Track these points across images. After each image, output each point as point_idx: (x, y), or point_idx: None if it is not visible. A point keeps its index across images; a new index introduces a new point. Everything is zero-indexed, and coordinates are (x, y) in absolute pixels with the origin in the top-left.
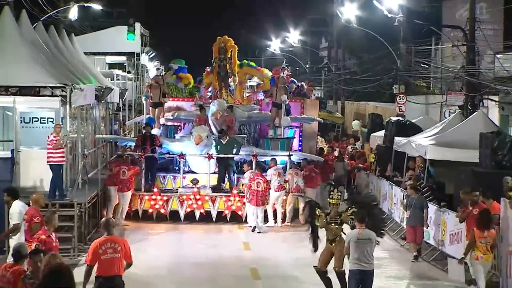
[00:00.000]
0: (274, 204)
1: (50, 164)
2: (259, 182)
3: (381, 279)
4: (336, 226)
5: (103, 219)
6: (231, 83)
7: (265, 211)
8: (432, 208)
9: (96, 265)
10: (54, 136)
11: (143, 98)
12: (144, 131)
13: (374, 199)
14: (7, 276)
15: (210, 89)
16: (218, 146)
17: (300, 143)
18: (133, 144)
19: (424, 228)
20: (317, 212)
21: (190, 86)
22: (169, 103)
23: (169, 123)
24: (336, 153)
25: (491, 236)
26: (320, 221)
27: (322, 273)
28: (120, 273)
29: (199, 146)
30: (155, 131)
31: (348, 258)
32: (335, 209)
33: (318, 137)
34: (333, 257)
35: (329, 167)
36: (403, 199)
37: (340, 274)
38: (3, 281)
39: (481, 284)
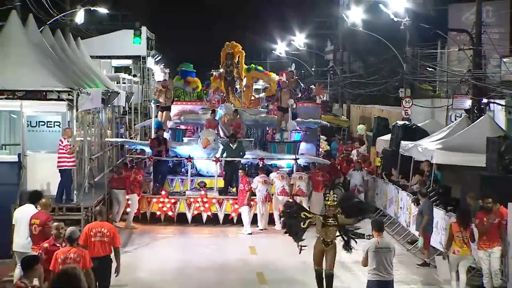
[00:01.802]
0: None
1: (62, 169)
2: (247, 182)
3: None
4: (334, 228)
5: (97, 207)
6: (238, 87)
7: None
8: (439, 212)
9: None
10: (68, 141)
11: (152, 102)
12: (157, 134)
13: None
14: (72, 257)
15: (218, 92)
16: (226, 151)
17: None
18: (140, 147)
19: (421, 234)
20: (302, 215)
21: (198, 90)
22: (181, 106)
23: (181, 127)
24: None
25: (469, 231)
26: (312, 222)
27: (320, 273)
28: (108, 253)
29: (206, 150)
30: (165, 134)
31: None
32: (331, 211)
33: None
34: (325, 259)
35: (335, 171)
36: (413, 203)
37: (331, 276)
38: (69, 263)
39: (461, 277)
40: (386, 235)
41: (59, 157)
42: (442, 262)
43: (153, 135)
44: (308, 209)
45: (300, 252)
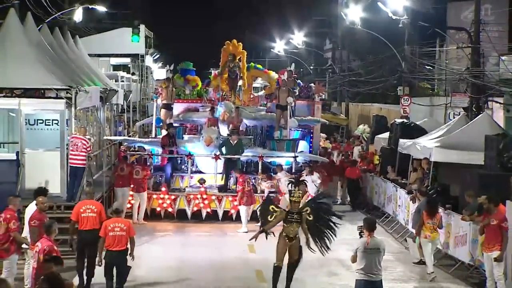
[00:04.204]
0: None
1: (82, 167)
2: (248, 181)
3: (386, 282)
4: (296, 225)
5: (86, 188)
6: (240, 85)
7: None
8: None
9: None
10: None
11: (154, 98)
12: (168, 131)
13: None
14: (120, 226)
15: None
16: (225, 147)
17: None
18: (140, 145)
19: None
20: (271, 208)
21: (198, 88)
22: (187, 104)
23: (187, 125)
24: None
25: (438, 218)
26: (277, 217)
27: (279, 269)
28: (96, 227)
29: (209, 147)
30: (164, 132)
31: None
32: (295, 206)
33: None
34: (288, 253)
35: (333, 168)
36: (411, 200)
37: (294, 267)
38: (118, 231)
39: (428, 260)
40: (380, 235)
41: (78, 155)
42: (413, 244)
43: (153, 133)
44: (277, 204)
45: (267, 238)
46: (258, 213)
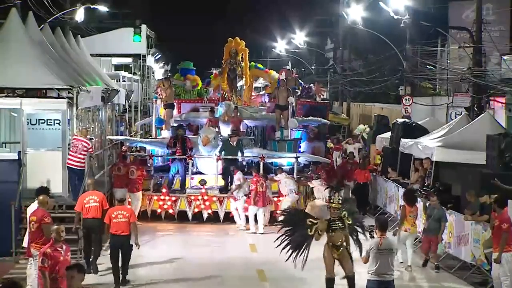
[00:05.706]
0: None
1: (82, 169)
2: (262, 183)
3: None
4: (341, 231)
5: (88, 180)
6: (242, 84)
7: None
8: None
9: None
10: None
11: (154, 98)
12: (177, 133)
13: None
14: (123, 214)
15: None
16: (225, 149)
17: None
18: (141, 144)
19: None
20: (308, 222)
21: (198, 87)
22: (193, 104)
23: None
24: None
25: (416, 210)
26: (319, 228)
27: (333, 281)
28: (98, 215)
29: (206, 147)
30: (164, 133)
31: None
32: (336, 213)
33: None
34: (341, 263)
35: (334, 170)
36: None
37: (353, 278)
38: (121, 218)
39: (409, 252)
40: (389, 235)
41: (76, 156)
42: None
43: (153, 133)
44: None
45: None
46: (289, 234)
